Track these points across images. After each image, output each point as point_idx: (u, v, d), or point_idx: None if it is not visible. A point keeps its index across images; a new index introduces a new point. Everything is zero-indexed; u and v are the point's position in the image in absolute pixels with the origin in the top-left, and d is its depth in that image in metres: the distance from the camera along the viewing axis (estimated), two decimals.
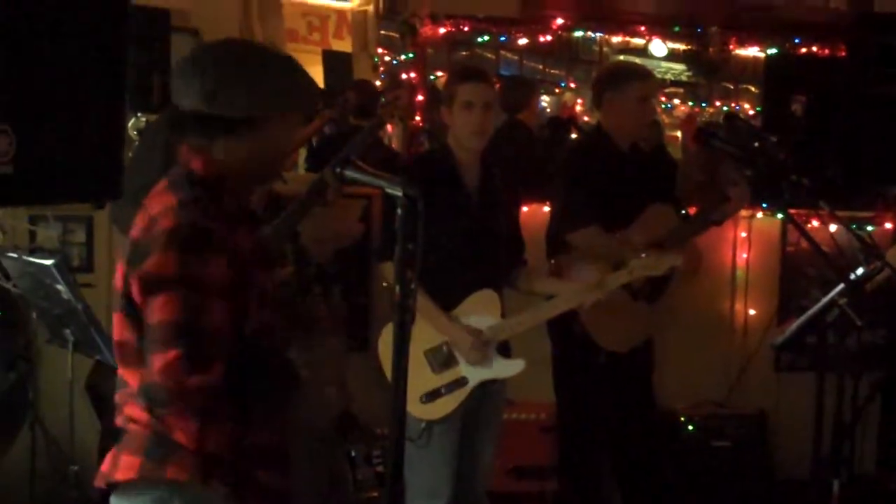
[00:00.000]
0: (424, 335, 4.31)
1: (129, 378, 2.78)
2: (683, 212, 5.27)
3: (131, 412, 2.78)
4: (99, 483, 2.85)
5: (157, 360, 2.60)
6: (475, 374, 4.36)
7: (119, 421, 2.85)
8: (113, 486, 2.81)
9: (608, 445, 5.32)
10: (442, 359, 4.34)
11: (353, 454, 5.43)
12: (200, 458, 2.74)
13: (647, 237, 4.95)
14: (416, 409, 4.27)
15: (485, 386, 4.43)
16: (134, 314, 2.72)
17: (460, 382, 4.35)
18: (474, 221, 4.40)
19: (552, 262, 5.08)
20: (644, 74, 5.11)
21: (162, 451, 2.73)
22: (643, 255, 4.52)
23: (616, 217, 4.94)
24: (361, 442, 5.50)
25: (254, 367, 2.76)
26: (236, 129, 2.76)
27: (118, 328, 2.80)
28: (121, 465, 2.78)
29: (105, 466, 2.84)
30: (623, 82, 5.05)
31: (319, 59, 9.09)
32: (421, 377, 4.29)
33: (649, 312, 5.03)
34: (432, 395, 4.32)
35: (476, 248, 4.40)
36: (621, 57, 8.60)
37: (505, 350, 4.47)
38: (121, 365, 2.82)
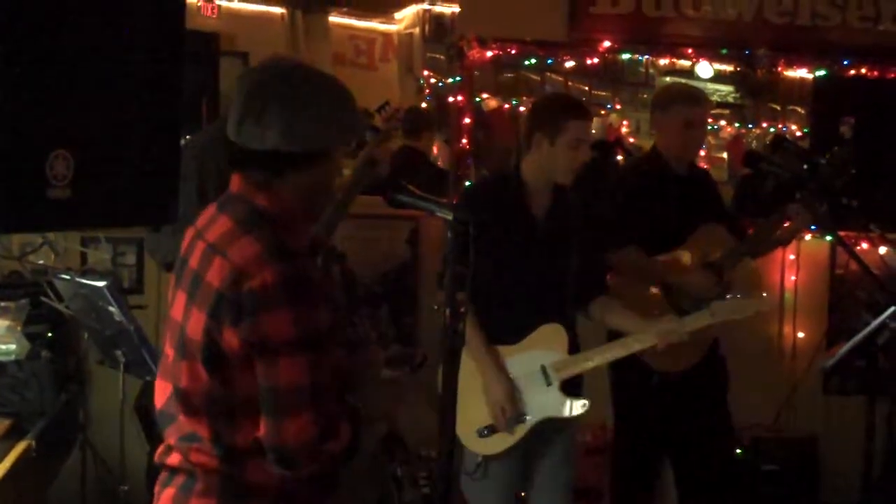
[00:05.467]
0: None
1: (194, 426, 2.69)
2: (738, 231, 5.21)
3: (199, 459, 2.69)
4: None
5: (290, 427, 2.57)
6: (535, 412, 4.22)
7: (173, 462, 2.77)
8: None
9: (662, 467, 5.26)
10: None
11: (398, 475, 5.43)
12: (280, 495, 2.70)
13: (699, 257, 4.91)
14: (473, 443, 4.18)
15: (553, 426, 4.29)
16: (220, 366, 2.63)
17: (519, 419, 4.20)
18: (541, 250, 4.27)
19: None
20: (690, 99, 4.99)
21: (238, 494, 2.68)
22: (728, 297, 4.43)
23: (667, 238, 4.91)
24: (407, 463, 5.50)
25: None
26: (310, 163, 2.70)
27: (185, 376, 2.68)
28: None
29: None
30: (669, 105, 5.01)
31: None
32: (479, 411, 4.18)
33: (702, 334, 4.95)
34: (490, 430, 4.18)
35: (543, 279, 4.26)
36: (668, 79, 8.58)
37: (573, 388, 4.31)
38: (183, 412, 2.71)
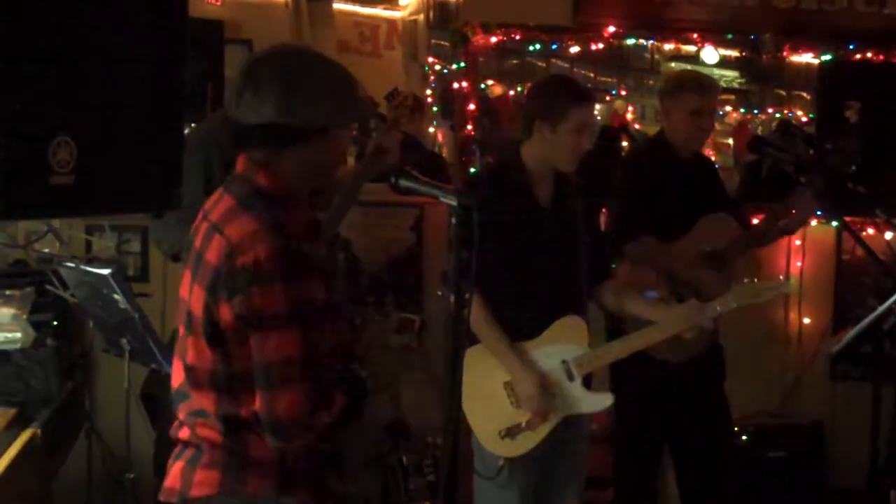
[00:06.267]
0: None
1: (202, 400, 2.77)
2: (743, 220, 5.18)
3: (205, 433, 2.78)
4: (168, 498, 2.84)
5: (282, 400, 2.62)
6: (560, 409, 4.06)
7: (183, 436, 2.85)
8: (188, 502, 2.80)
9: (664, 456, 5.23)
10: None
11: (404, 463, 5.41)
12: (280, 470, 2.76)
13: (705, 246, 4.89)
14: (495, 445, 4.02)
15: (571, 423, 4.12)
16: (219, 341, 2.69)
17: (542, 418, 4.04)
18: (550, 240, 4.11)
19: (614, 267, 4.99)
20: (700, 87, 4.90)
21: (241, 466, 2.75)
22: (746, 281, 4.32)
23: (671, 225, 4.88)
24: (413, 450, 5.49)
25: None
26: (308, 138, 2.74)
27: (192, 352, 2.76)
28: (197, 480, 2.78)
29: (174, 482, 2.83)
30: (678, 92, 4.95)
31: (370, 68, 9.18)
32: (500, 411, 4.03)
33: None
34: (512, 431, 4.01)
35: (555, 269, 4.11)
36: (673, 64, 8.57)
37: (587, 382, 4.16)
38: (192, 388, 2.78)
